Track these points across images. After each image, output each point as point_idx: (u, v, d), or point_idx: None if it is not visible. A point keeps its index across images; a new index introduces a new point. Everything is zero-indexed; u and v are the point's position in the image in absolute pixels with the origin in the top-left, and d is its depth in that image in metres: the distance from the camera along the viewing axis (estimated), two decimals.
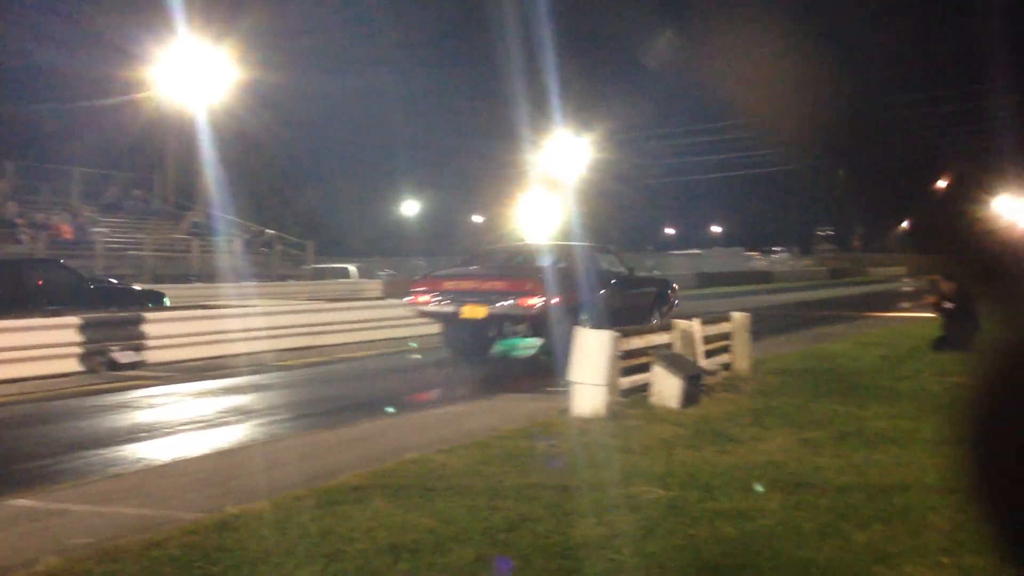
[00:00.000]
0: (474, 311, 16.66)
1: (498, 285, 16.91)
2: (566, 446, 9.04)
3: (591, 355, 10.82)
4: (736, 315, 14.33)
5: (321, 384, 15.78)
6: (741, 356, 14.18)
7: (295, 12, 56.56)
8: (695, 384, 11.34)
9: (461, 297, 16.96)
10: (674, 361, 11.45)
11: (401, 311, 22.29)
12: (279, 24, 47.19)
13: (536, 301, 16.20)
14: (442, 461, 8.32)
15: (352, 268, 46.59)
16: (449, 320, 17.56)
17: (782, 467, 8.00)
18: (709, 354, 13.21)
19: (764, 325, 19.33)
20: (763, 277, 70.59)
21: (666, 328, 12.85)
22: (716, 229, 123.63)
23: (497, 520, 6.48)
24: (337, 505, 6.87)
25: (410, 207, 79.91)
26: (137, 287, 26.38)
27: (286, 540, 6.05)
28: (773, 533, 6.15)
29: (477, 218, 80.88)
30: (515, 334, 17.49)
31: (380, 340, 21.57)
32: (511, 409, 11.77)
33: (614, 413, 10.50)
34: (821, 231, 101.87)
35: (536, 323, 16.63)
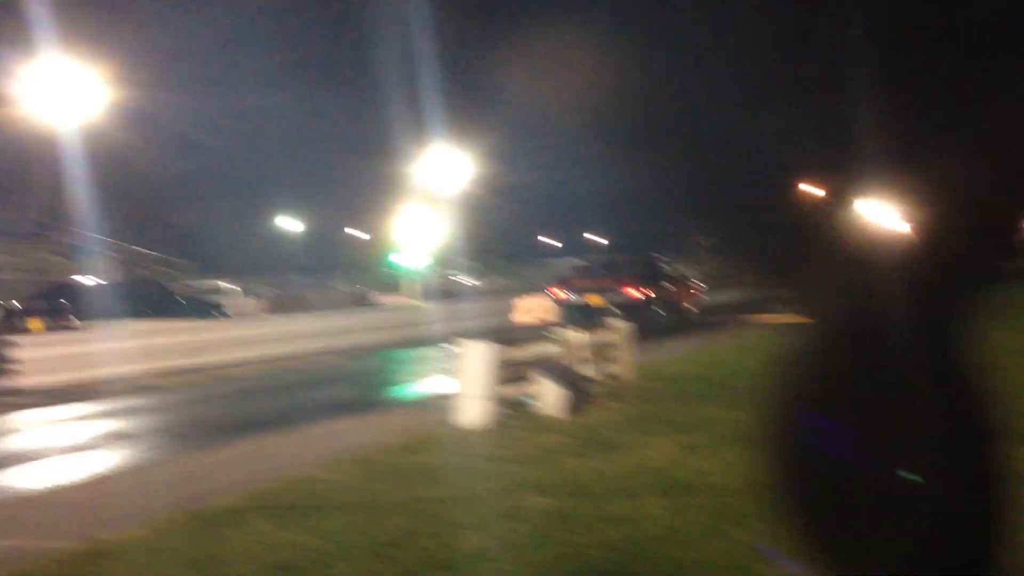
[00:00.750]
0: (595, 299, 26.05)
1: (608, 283, 26.74)
2: (451, 459, 9.00)
3: (475, 366, 10.80)
4: (620, 324, 14.45)
5: (199, 405, 15.43)
6: (625, 364, 14.29)
7: (173, 31, 55.61)
8: (579, 393, 11.40)
9: (584, 291, 26.63)
10: (558, 371, 11.49)
11: (282, 328, 22.10)
12: (156, 43, 46.34)
13: (635, 293, 26.07)
14: (325, 478, 8.20)
15: (223, 286, 45.68)
16: (576, 306, 26.07)
17: (666, 472, 8.07)
18: (594, 362, 13.27)
19: (648, 333, 19.55)
20: None
21: (549, 338, 12.89)
22: (602, 240, 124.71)
23: (381, 536, 6.40)
24: (217, 528, 6.70)
25: (291, 224, 79.01)
26: None
27: (164, 566, 5.89)
28: (658, 537, 6.18)
29: (359, 233, 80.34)
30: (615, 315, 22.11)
31: (263, 357, 21.26)
32: (395, 423, 11.65)
33: (500, 424, 10.49)
34: (700, 239, 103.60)
35: (631, 308, 23.92)
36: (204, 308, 30.45)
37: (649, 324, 22.74)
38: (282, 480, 8.19)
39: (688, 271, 29.89)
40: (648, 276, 27.36)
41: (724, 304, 31.82)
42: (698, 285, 30.16)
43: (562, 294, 27.22)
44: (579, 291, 26.72)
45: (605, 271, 28.76)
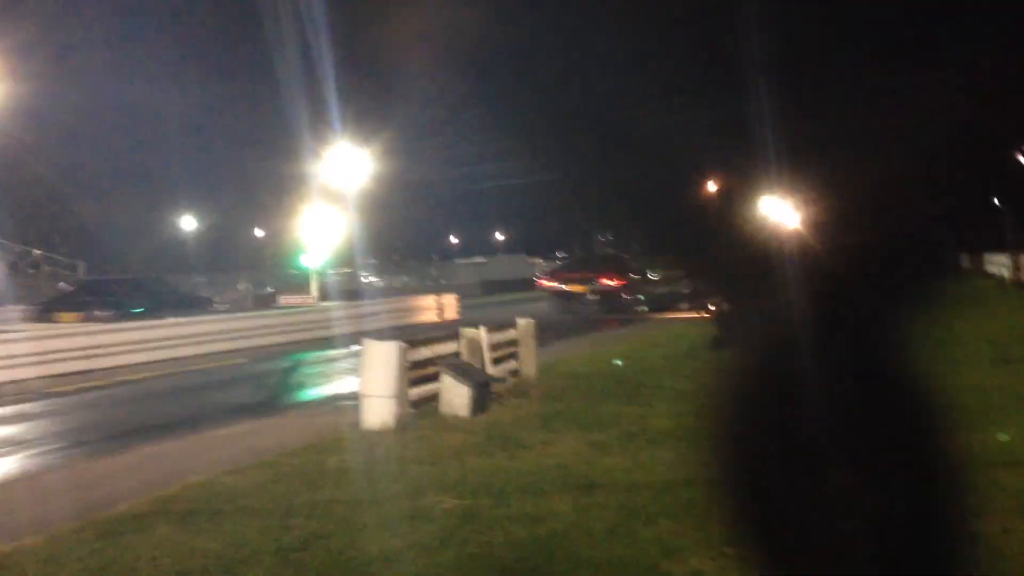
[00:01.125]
0: (577, 288, 32.95)
1: (588, 275, 33.40)
2: (357, 460, 8.94)
3: (379, 367, 10.75)
4: (522, 322, 14.51)
5: (98, 409, 15.08)
6: (528, 362, 14.36)
7: (67, 23, 54.25)
8: (484, 392, 11.42)
9: (568, 281, 33.46)
10: (462, 370, 11.49)
11: (183, 330, 21.79)
12: (48, 36, 45.10)
13: (610, 283, 32.76)
14: (230, 483, 8.09)
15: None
16: (561, 294, 33.22)
17: (572, 469, 8.13)
18: (497, 361, 13.32)
19: (550, 331, 19.67)
20: None
21: (453, 337, 12.88)
22: (500, 236, 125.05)
23: (289, 539, 6.35)
24: (118, 535, 6.58)
25: (189, 222, 77.74)
26: None
27: None
28: (565, 535, 6.23)
29: (259, 232, 79.34)
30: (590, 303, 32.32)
31: (164, 360, 20.91)
32: (300, 425, 11.56)
33: (404, 424, 10.46)
34: (602, 237, 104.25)
35: (606, 295, 32.47)
36: (199, 302, 33.55)
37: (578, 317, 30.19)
38: (185, 485, 8.06)
39: (645, 267, 34.50)
40: (618, 270, 33.74)
41: (666, 294, 34.15)
42: (652, 278, 34.97)
43: (549, 284, 34.79)
44: (564, 281, 33.82)
45: (584, 266, 36.65)
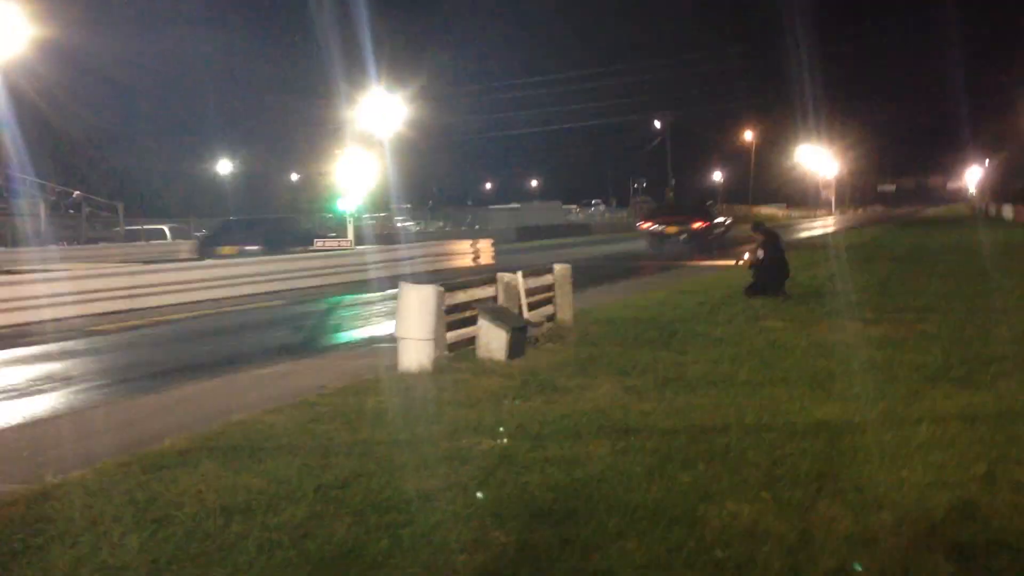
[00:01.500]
0: (671, 229, 38.51)
1: (680, 218, 39.28)
2: (395, 402, 9.03)
3: (416, 310, 10.81)
4: (557, 267, 14.52)
5: (140, 348, 15.27)
6: (564, 307, 14.40)
7: None
8: (520, 336, 11.47)
9: (664, 223, 39.19)
10: (499, 314, 11.54)
11: (220, 272, 21.99)
12: None
13: (698, 225, 38.46)
14: (270, 421, 8.20)
15: (167, 229, 45.21)
16: (657, 234, 38.79)
17: (608, 414, 8.18)
18: (533, 306, 13.36)
19: (585, 276, 19.69)
20: (582, 230, 71.77)
21: (490, 281, 12.92)
22: (534, 183, 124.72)
23: (329, 477, 6.44)
24: (163, 470, 6.71)
25: (225, 166, 78.03)
26: None
27: (111, 508, 5.88)
28: (602, 478, 6.29)
29: (295, 176, 79.57)
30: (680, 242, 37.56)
31: (201, 301, 21.12)
32: (338, 367, 11.67)
33: (441, 367, 10.53)
34: (636, 183, 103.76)
35: (695, 235, 37.70)
36: (326, 238, 35.43)
37: (671, 253, 35.73)
38: (227, 423, 8.17)
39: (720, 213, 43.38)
40: (704, 214, 41.05)
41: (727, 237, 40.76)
42: (724, 222, 42.61)
43: (647, 225, 40.31)
44: (661, 223, 39.39)
45: (676, 210, 44.14)
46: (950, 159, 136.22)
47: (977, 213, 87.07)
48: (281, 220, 43.86)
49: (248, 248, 32.41)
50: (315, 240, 33.61)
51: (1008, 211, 64.76)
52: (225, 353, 13.73)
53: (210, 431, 7.87)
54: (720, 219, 42.73)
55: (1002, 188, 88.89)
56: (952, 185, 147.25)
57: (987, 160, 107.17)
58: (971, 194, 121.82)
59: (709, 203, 51.25)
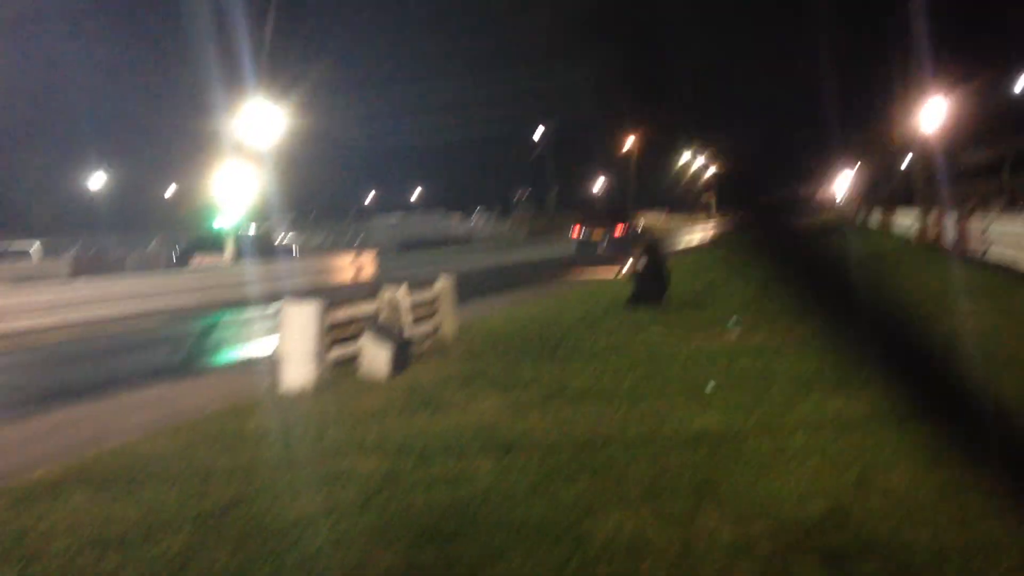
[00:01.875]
0: (597, 234, 40.62)
1: (606, 224, 41.58)
2: (276, 423, 8.90)
3: (297, 328, 10.68)
4: (440, 281, 14.50)
5: (6, 374, 14.70)
6: (447, 321, 14.38)
7: None
8: (404, 352, 11.42)
9: (591, 229, 41.33)
10: (382, 330, 11.47)
11: (92, 291, 21.41)
12: None
13: (620, 231, 40.29)
14: (147, 448, 8.00)
15: (32, 251, 43.72)
16: (584, 239, 40.95)
17: (493, 429, 8.18)
18: (416, 321, 13.31)
19: (468, 289, 19.68)
20: (465, 240, 71.82)
21: (372, 296, 12.82)
22: (417, 193, 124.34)
23: (208, 505, 6.31)
24: (33, 503, 6.49)
25: (99, 180, 76.08)
26: None
27: None
28: (487, 495, 6.29)
29: (171, 190, 78.10)
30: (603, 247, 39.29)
31: (73, 323, 20.51)
32: (217, 388, 11.44)
33: (324, 386, 10.42)
34: (520, 192, 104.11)
35: (615, 241, 39.11)
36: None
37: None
38: (101, 451, 7.95)
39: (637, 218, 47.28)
40: (623, 220, 43.83)
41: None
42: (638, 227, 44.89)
43: (577, 231, 42.76)
44: (589, 228, 41.92)
45: (601, 217, 45.60)
46: (818, 169, 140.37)
47: (844, 221, 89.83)
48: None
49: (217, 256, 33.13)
50: (191, 257, 32.98)
51: (874, 219, 67.27)
52: (99, 377, 13.32)
53: (83, 460, 7.64)
54: (639, 224, 46.62)
55: (867, 197, 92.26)
56: (821, 193, 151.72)
57: (854, 168, 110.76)
58: (839, 202, 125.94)
59: (628, 209, 55.15)
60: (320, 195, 78.64)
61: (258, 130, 36.42)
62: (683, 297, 18.70)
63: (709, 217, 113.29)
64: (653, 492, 6.24)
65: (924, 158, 47.53)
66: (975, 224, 25.39)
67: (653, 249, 17.97)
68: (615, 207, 61.28)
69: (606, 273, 27.80)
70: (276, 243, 40.71)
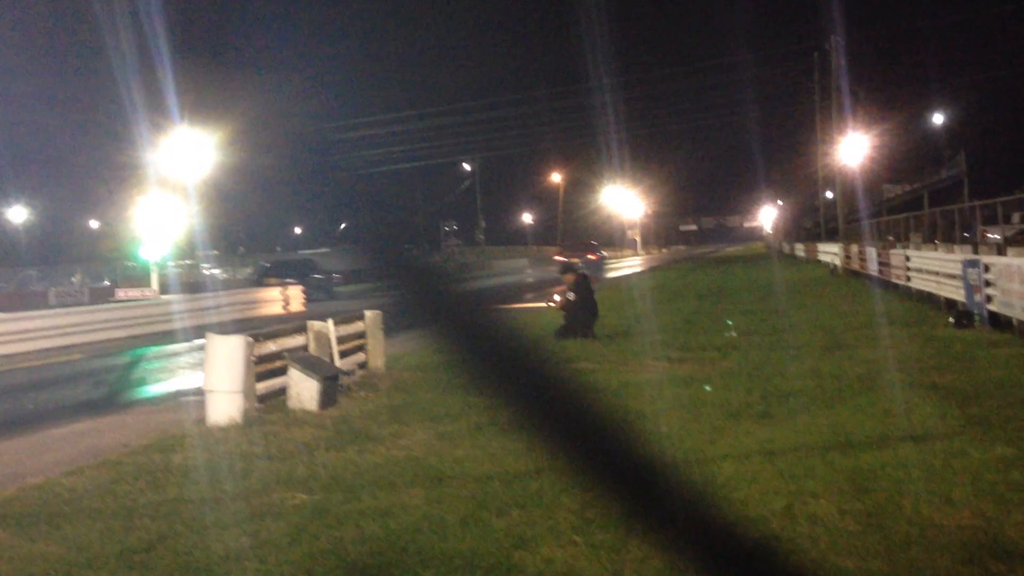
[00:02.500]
0: (574, 259, 43.07)
1: (580, 252, 57.84)
2: (203, 458, 8.77)
3: (224, 362, 10.56)
4: (368, 314, 14.44)
5: None
6: (376, 354, 14.32)
7: None
8: (332, 385, 11.33)
9: (571, 255, 52.32)
10: (310, 363, 11.38)
11: (9, 326, 20.98)
12: None
13: (592, 257, 58.84)
14: (69, 484, 7.84)
15: None
16: (564, 263, 40.26)
17: (422, 461, 8.14)
18: (344, 354, 13.24)
19: (396, 322, 19.59)
20: None
21: (300, 330, 12.73)
22: (343, 227, 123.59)
23: (133, 541, 6.20)
24: None
25: (19, 213, 74.76)
26: None
27: None
28: (418, 528, 6.25)
29: (94, 223, 76.93)
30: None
31: None
32: (142, 423, 11.27)
33: (252, 420, 10.31)
34: (447, 226, 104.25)
35: (591, 264, 52.43)
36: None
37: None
38: (22, 487, 7.79)
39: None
40: (594, 249, 57.45)
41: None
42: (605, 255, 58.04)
43: (558, 256, 52.29)
44: (568, 255, 48.96)
45: (577, 246, 58.58)
46: (746, 199, 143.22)
47: (772, 251, 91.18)
48: (307, 260, 54.47)
49: (288, 282, 38.35)
50: (117, 291, 32.51)
51: (800, 249, 68.70)
52: (19, 412, 13.06)
53: (3, 497, 7.48)
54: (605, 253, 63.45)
55: (793, 227, 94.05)
56: (749, 224, 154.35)
57: (779, 201, 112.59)
58: (767, 232, 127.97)
59: (593, 242, 69.42)
60: (247, 228, 77.97)
61: (183, 163, 36.08)
62: (612, 328, 18.79)
63: (636, 252, 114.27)
64: (583, 523, 6.23)
65: (845, 192, 48.55)
66: (896, 254, 25.96)
67: (582, 281, 18.04)
68: (588, 240, 71.85)
69: (537, 302, 27.85)
70: (204, 276, 40.33)
